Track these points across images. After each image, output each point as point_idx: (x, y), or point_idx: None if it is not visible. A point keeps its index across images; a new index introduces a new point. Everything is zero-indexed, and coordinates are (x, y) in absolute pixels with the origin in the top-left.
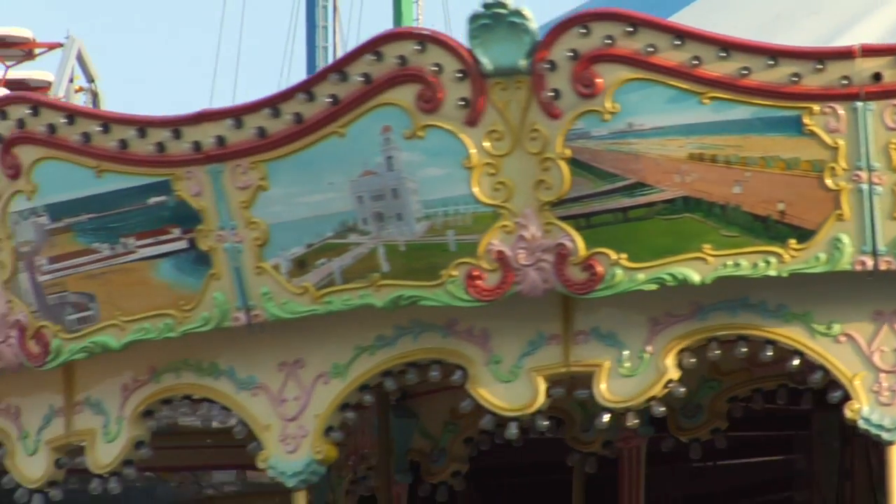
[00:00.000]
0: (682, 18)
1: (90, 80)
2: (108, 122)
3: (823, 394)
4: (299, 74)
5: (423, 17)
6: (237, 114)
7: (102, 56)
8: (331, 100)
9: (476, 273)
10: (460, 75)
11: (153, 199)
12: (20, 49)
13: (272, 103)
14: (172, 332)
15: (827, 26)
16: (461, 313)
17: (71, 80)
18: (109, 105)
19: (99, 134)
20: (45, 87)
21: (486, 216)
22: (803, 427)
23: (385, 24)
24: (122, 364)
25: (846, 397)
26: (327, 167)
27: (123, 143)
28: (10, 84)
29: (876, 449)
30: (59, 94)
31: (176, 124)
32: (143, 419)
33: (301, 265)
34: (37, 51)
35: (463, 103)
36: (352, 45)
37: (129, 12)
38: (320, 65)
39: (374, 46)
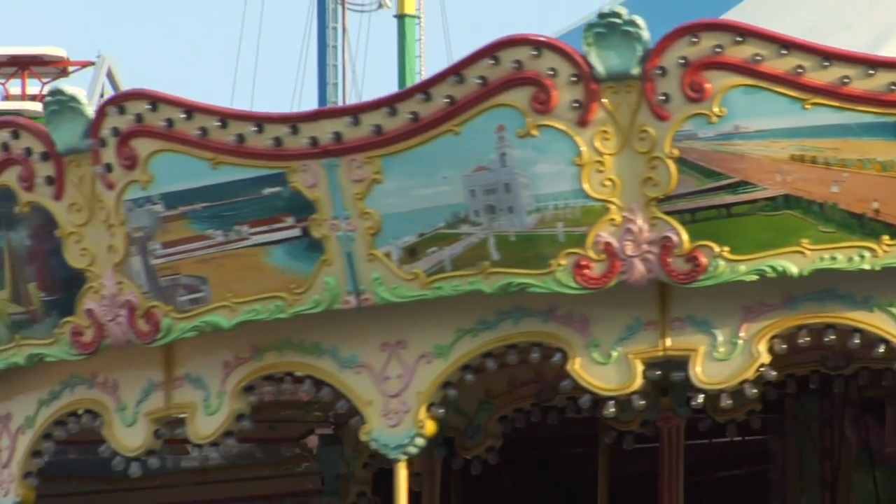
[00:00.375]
0: None
1: None
2: (227, 117)
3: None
4: (311, 91)
5: (425, 36)
6: (355, 112)
7: (130, 72)
8: (448, 100)
9: (584, 262)
10: (574, 79)
11: (268, 190)
12: (55, 67)
13: (390, 103)
14: (283, 313)
15: (864, 38)
16: (561, 300)
17: (101, 96)
18: None
19: (217, 129)
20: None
21: (594, 210)
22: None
23: (390, 44)
24: (224, 343)
25: None
26: (441, 162)
27: (241, 138)
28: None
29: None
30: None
31: (294, 121)
32: (244, 394)
33: (412, 253)
34: (70, 68)
35: (576, 105)
36: (360, 64)
37: (155, 34)
38: (330, 82)
39: (491, 51)
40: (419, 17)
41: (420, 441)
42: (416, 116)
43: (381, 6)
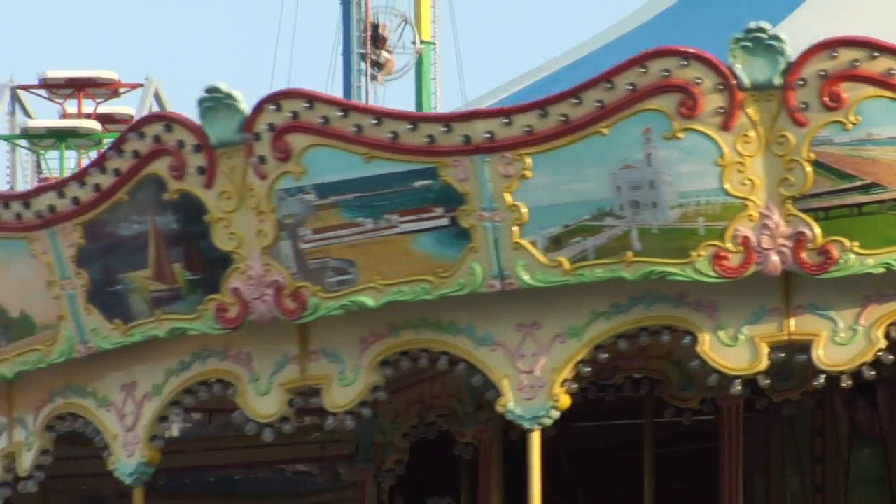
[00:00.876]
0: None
1: None
2: (382, 116)
3: None
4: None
5: (440, 61)
6: (508, 113)
7: (175, 93)
8: (598, 104)
9: (722, 254)
10: (720, 87)
11: (419, 183)
12: (108, 88)
13: (542, 105)
14: (428, 295)
15: None
16: (691, 287)
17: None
18: None
19: (372, 126)
20: (128, 119)
21: (733, 206)
22: None
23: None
24: (361, 320)
25: None
26: (589, 161)
27: (395, 135)
28: (99, 117)
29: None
30: None
31: (448, 120)
32: (380, 367)
33: (556, 242)
34: (121, 90)
35: (721, 111)
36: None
37: (197, 55)
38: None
39: (641, 61)
40: (434, 44)
41: (555, 413)
42: (566, 118)
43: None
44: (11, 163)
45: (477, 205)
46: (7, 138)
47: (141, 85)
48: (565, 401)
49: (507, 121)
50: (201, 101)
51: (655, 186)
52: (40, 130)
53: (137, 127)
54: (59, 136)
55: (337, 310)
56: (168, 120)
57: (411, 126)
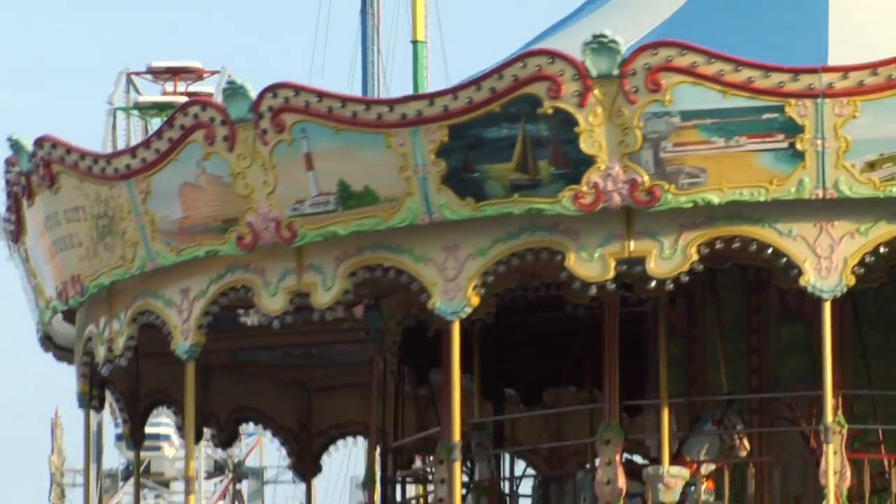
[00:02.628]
0: None
1: None
2: (740, 64)
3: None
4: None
5: (431, 57)
6: (845, 70)
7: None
8: None
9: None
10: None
11: (766, 115)
12: (194, 74)
13: (874, 67)
14: (762, 197)
15: None
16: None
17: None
18: None
19: (732, 71)
20: (209, 96)
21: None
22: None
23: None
24: (681, 215)
25: None
26: None
27: (750, 79)
28: (188, 94)
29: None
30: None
31: (796, 72)
32: (698, 249)
33: (871, 166)
34: (204, 75)
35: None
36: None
37: (260, 47)
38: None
39: None
40: (426, 42)
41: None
42: (891, 77)
43: None
44: (126, 127)
45: (812, 134)
46: (124, 109)
47: (217, 72)
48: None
49: (844, 75)
50: (588, 44)
51: None
52: (147, 104)
53: (520, 59)
54: (161, 108)
55: (686, 203)
56: (551, 55)
57: (764, 74)
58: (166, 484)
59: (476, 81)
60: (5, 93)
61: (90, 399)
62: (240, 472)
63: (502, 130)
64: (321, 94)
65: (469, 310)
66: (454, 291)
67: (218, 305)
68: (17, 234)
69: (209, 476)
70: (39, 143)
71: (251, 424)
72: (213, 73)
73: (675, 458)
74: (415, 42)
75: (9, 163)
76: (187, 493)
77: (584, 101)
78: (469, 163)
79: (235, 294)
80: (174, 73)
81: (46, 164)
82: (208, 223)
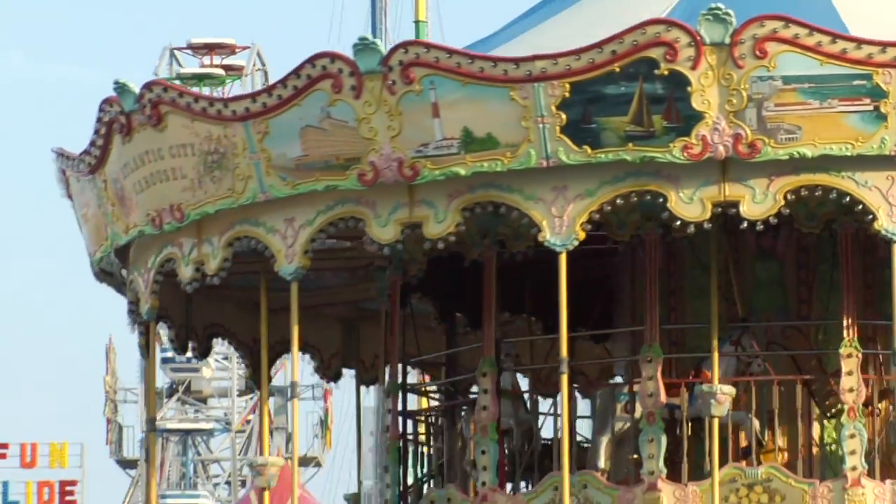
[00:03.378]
0: None
1: (263, 65)
2: (836, 37)
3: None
4: None
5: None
6: None
7: (272, 53)
8: None
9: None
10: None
11: (856, 82)
12: (228, 49)
13: None
14: (847, 152)
15: None
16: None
17: (254, 65)
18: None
19: (828, 43)
20: (240, 68)
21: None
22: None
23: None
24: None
25: None
26: None
27: (844, 50)
28: (223, 67)
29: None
30: (246, 73)
31: (884, 45)
32: (786, 196)
33: None
34: (236, 50)
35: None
36: None
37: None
38: None
39: None
40: (426, 22)
41: None
42: None
43: None
44: None
45: (894, 100)
46: (168, 79)
47: (248, 47)
48: None
49: None
50: (704, 15)
51: None
52: (188, 75)
53: (641, 26)
54: (199, 79)
55: (783, 155)
56: (669, 24)
57: (857, 46)
58: (204, 400)
59: (598, 45)
60: (67, 66)
61: (158, 315)
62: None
63: (620, 88)
64: (451, 52)
65: (576, 243)
66: (563, 227)
67: (324, 233)
68: (97, 166)
69: (241, 394)
70: (149, 86)
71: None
72: (244, 48)
73: (697, 376)
74: (417, 22)
75: (107, 102)
76: (291, 398)
77: (697, 65)
78: (587, 115)
79: (344, 224)
80: (210, 48)
81: (154, 104)
82: (329, 161)
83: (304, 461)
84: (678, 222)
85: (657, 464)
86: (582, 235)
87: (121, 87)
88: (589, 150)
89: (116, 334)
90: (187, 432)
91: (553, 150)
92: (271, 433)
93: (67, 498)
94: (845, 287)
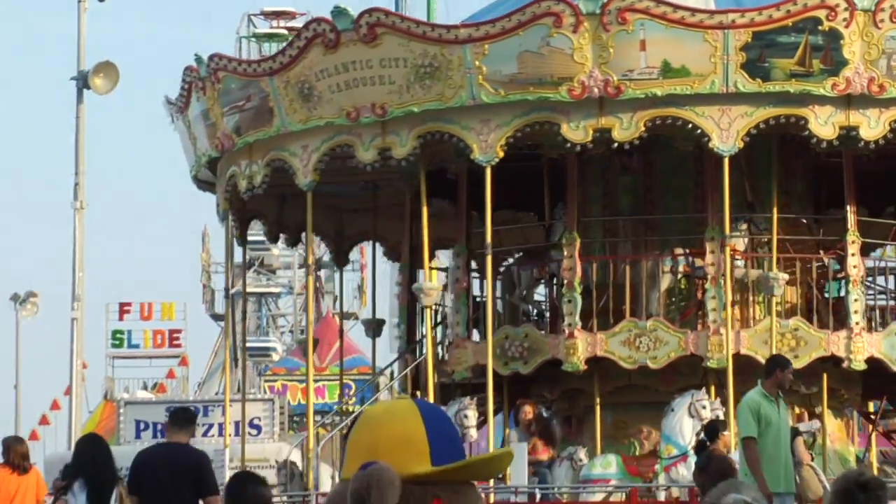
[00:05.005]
0: None
1: None
2: None
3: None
4: None
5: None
6: None
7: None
8: None
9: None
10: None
11: None
12: (291, 15)
13: None
14: None
15: None
16: None
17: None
18: None
19: None
20: (297, 30)
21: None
22: None
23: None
24: (885, 102)
25: None
26: None
27: None
28: (288, 29)
29: None
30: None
31: None
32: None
33: None
34: (296, 16)
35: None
36: None
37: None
38: None
39: None
40: None
41: None
42: None
43: None
44: (248, 51)
45: None
46: (246, 37)
47: (305, 14)
48: None
49: None
50: None
51: None
52: (262, 34)
53: None
54: (269, 38)
55: None
56: None
57: None
58: (273, 271)
59: (777, 5)
60: (163, 26)
61: (227, 214)
62: (319, 265)
63: (790, 38)
64: (658, 2)
65: (737, 149)
66: (727, 137)
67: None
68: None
69: (300, 267)
70: (369, 11)
71: None
72: (302, 14)
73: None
74: None
75: (314, 21)
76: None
77: (849, 24)
78: (763, 56)
79: (539, 128)
80: (277, 14)
81: (371, 26)
82: (543, 78)
83: (346, 315)
84: (814, 139)
85: None
86: (741, 144)
87: (338, 11)
88: (760, 82)
89: (210, 223)
90: (261, 295)
91: (732, 81)
92: (323, 295)
93: (174, 342)
94: None
